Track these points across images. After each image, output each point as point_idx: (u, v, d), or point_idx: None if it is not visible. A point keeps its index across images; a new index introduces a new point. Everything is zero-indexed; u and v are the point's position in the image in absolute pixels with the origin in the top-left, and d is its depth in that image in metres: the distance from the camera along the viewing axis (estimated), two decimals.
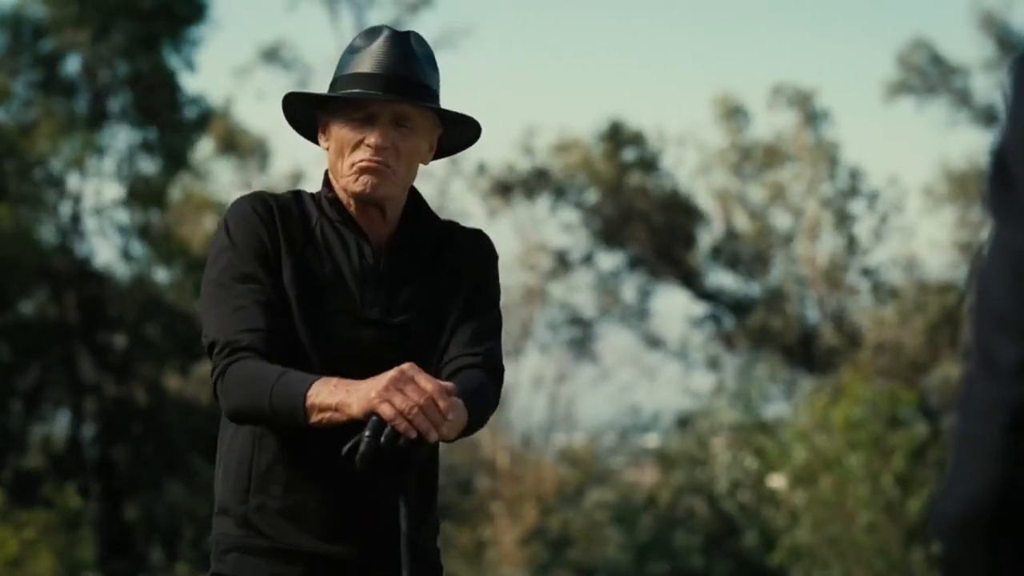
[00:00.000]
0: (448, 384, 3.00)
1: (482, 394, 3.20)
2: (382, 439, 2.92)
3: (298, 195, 3.38)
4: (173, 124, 26.01)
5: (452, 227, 3.47)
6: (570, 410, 29.39)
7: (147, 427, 24.68)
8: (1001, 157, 1.41)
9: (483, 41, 52.05)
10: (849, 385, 20.10)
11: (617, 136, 28.03)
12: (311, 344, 3.20)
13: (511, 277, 28.84)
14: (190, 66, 26.38)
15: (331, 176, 3.36)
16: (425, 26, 42.10)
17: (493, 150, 29.03)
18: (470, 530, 26.02)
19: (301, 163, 29.63)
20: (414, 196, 3.41)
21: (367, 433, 2.92)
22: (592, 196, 28.25)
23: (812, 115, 26.93)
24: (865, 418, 18.94)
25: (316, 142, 3.43)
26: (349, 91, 3.28)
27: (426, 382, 2.95)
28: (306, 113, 3.42)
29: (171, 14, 25.68)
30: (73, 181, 26.18)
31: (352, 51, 3.34)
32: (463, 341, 3.30)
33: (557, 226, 28.97)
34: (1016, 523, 1.39)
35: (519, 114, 52.35)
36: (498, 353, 3.36)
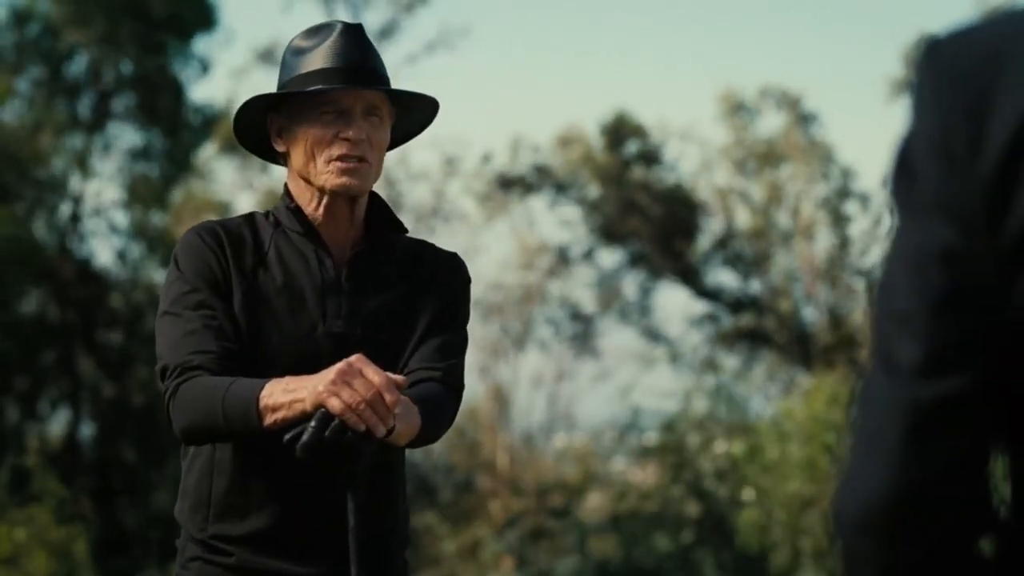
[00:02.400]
0: (398, 377, 2.99)
1: (437, 405, 3.20)
2: (327, 432, 2.92)
3: (250, 218, 3.35)
4: (176, 129, 26.04)
5: (424, 245, 3.44)
6: (570, 409, 29.38)
7: (144, 427, 24.69)
8: (905, 151, 1.39)
9: (481, 40, 51.99)
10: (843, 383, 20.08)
11: (620, 128, 27.99)
12: (270, 364, 3.16)
13: (510, 276, 28.86)
14: (203, 67, 26.42)
15: (297, 179, 3.29)
16: (422, 25, 42.13)
17: (492, 148, 29.03)
18: (470, 530, 26.02)
19: None
20: (375, 200, 3.38)
21: (312, 424, 2.92)
22: (593, 191, 28.22)
23: (802, 116, 26.91)
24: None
25: (263, 153, 3.37)
26: (321, 86, 3.22)
27: (374, 374, 2.94)
28: (254, 122, 3.34)
29: (181, 20, 25.69)
30: (74, 181, 26.21)
31: (300, 51, 3.30)
32: (426, 355, 3.29)
33: (557, 223, 28.95)
34: (911, 522, 1.39)
35: (518, 113, 52.26)
36: (460, 370, 3.34)
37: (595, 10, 48.48)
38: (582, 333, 29.04)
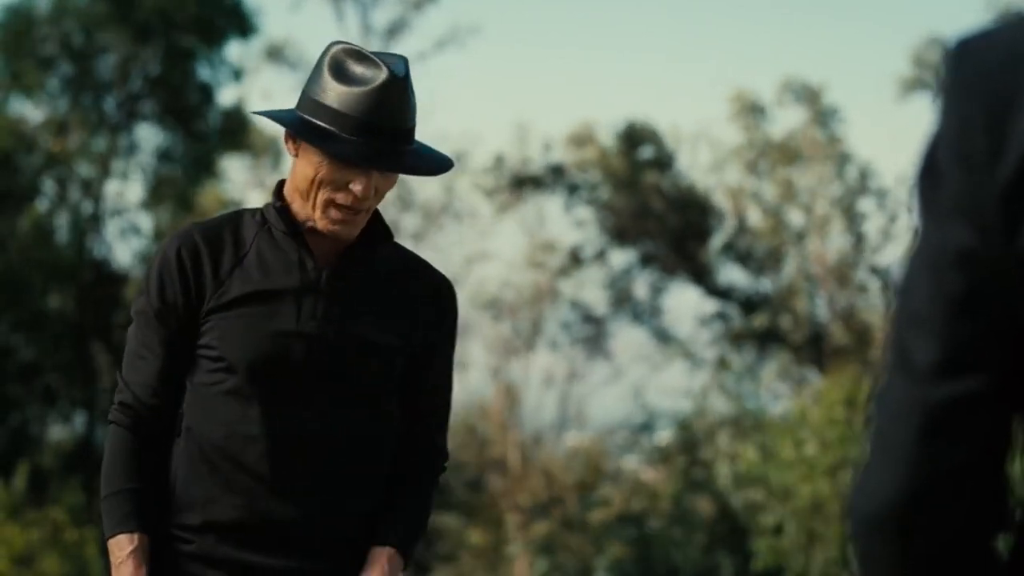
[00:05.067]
0: None
1: (423, 513, 3.35)
2: None
3: (237, 217, 3.33)
4: (201, 134, 26.08)
5: (414, 260, 3.41)
6: (581, 408, 29.38)
7: None
8: (930, 152, 1.40)
9: (491, 37, 52.02)
10: (857, 383, 20.06)
11: (633, 135, 27.99)
12: (239, 365, 3.20)
13: (520, 276, 28.85)
14: (236, 75, 26.47)
15: (295, 189, 3.25)
16: (431, 23, 42.15)
17: (502, 146, 29.02)
18: (481, 529, 26.03)
19: None
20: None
21: None
22: (605, 193, 28.22)
23: (821, 112, 26.87)
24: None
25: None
26: (352, 149, 3.12)
27: None
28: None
29: (212, 26, 25.73)
30: (97, 181, 26.25)
31: (340, 75, 3.18)
32: (416, 422, 3.35)
33: (568, 223, 28.95)
34: (924, 522, 1.40)
35: (528, 112, 52.34)
36: (444, 441, 3.42)
37: (606, 7, 48.49)
38: (594, 335, 29.04)
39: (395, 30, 29.36)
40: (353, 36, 30.61)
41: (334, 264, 3.27)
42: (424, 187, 29.72)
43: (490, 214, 29.09)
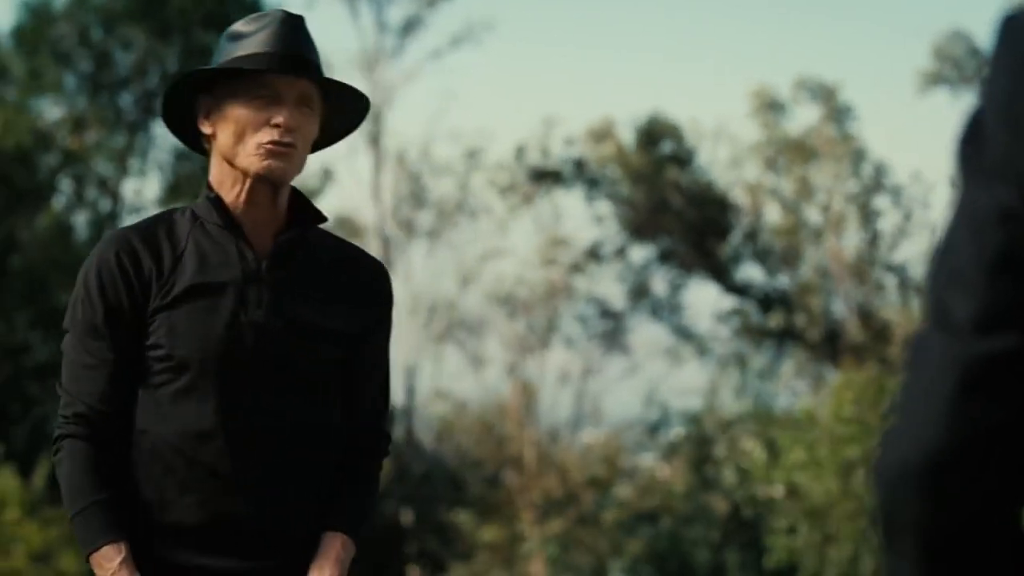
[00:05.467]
0: None
1: (369, 501, 3.38)
2: None
3: (167, 216, 3.34)
4: None
5: (348, 246, 3.46)
6: (597, 405, 29.37)
7: None
8: (975, 117, 1.42)
9: (506, 35, 51.98)
10: (878, 378, 20.03)
11: (653, 130, 27.96)
12: (189, 361, 3.22)
13: (534, 272, 28.83)
14: None
15: (221, 163, 3.29)
16: (446, 19, 42.23)
17: (517, 142, 29.01)
18: (497, 527, 26.04)
19: (329, 159, 29.68)
20: (297, 193, 3.36)
21: None
22: (624, 188, 28.20)
23: (836, 110, 26.83)
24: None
25: (189, 141, 3.37)
26: (258, 68, 3.23)
27: None
28: (182, 103, 3.34)
29: (230, 22, 25.74)
30: (114, 178, 26.28)
31: (238, 36, 3.30)
32: (359, 407, 3.39)
33: (585, 218, 28.95)
34: (959, 480, 1.39)
35: (544, 109, 52.23)
36: (387, 424, 3.47)
37: (623, 4, 48.43)
38: (612, 329, 29.03)
39: (410, 27, 29.38)
40: (368, 33, 30.63)
41: (272, 252, 3.29)
42: (438, 185, 29.74)
43: (505, 211, 29.08)
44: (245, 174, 3.26)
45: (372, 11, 29.71)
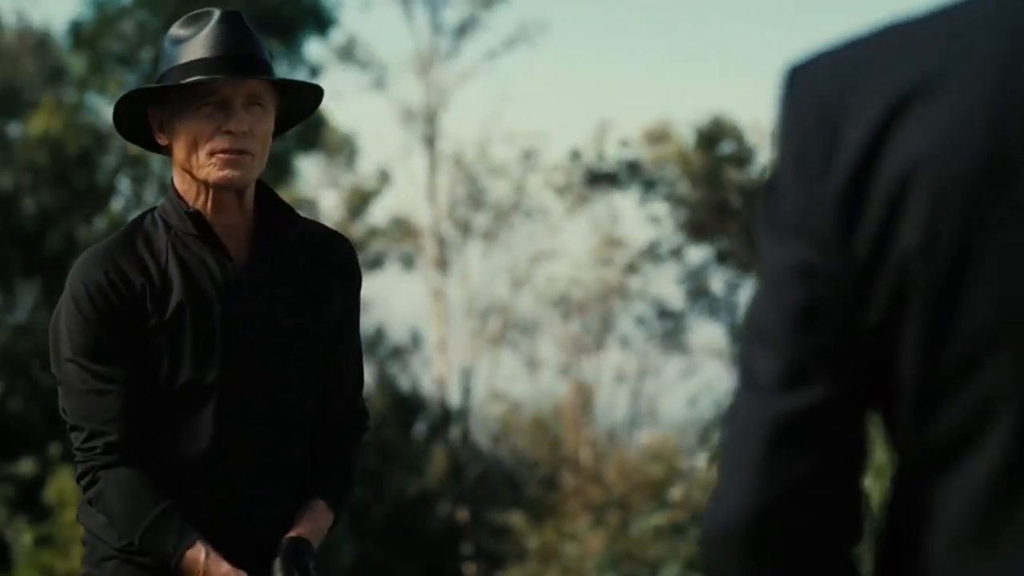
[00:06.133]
0: None
1: (350, 477, 3.40)
2: None
3: (139, 229, 3.29)
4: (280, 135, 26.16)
5: (312, 226, 3.43)
6: (653, 405, 29.32)
7: None
8: (772, 174, 1.44)
9: (562, 36, 51.94)
10: None
11: (714, 131, 27.91)
12: (186, 377, 3.21)
13: (590, 273, 28.81)
14: (312, 71, 26.57)
15: (182, 174, 3.24)
16: (501, 21, 42.16)
17: (574, 144, 29.05)
18: (553, 528, 26.03)
19: (385, 161, 29.75)
20: (263, 187, 3.34)
21: None
22: (683, 188, 28.15)
23: None
24: None
25: (150, 146, 3.32)
26: (199, 77, 3.16)
27: None
28: (136, 115, 3.28)
29: (291, 23, 25.84)
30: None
31: (179, 40, 3.22)
32: (337, 386, 3.39)
33: (642, 219, 28.91)
34: (772, 537, 1.40)
35: (598, 111, 52.21)
36: (363, 399, 3.48)
37: (681, 5, 48.34)
38: (672, 329, 28.98)
39: (465, 29, 29.40)
40: (423, 35, 30.72)
41: (250, 261, 3.27)
42: (495, 186, 29.75)
43: (561, 212, 29.08)
44: (205, 184, 3.22)
45: (427, 13, 29.77)
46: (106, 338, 3.17)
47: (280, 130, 3.33)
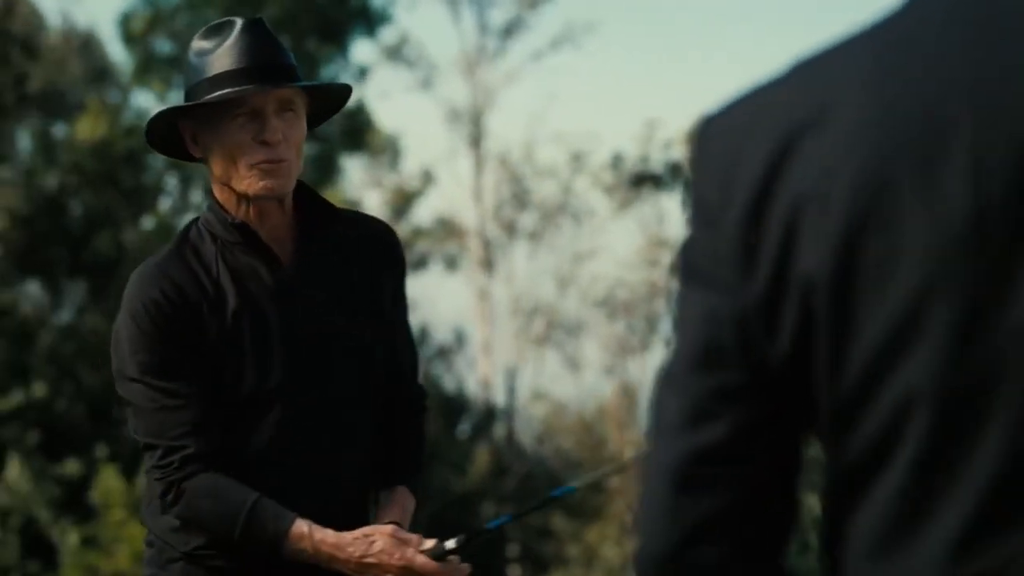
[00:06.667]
0: (421, 561, 3.19)
1: (422, 461, 3.45)
2: None
3: (187, 240, 3.29)
4: (323, 134, 26.27)
5: (354, 218, 3.44)
6: None
7: None
8: (686, 221, 1.46)
9: (608, 36, 51.88)
10: None
11: None
12: (256, 382, 3.23)
13: (636, 273, 28.78)
14: (361, 73, 26.63)
15: (221, 186, 3.25)
16: (547, 22, 42.19)
17: (620, 145, 29.08)
18: (597, 529, 26.01)
19: (430, 161, 29.78)
20: (300, 186, 3.33)
21: None
22: None
23: None
24: None
25: (184, 156, 3.31)
26: (231, 90, 3.15)
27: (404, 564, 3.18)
28: (169, 126, 3.28)
29: (338, 24, 25.90)
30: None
31: (203, 52, 3.21)
32: (396, 370, 3.42)
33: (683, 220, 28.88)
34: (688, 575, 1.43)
35: (645, 111, 52.12)
36: (419, 379, 3.51)
37: (726, 6, 48.25)
38: None
39: (511, 29, 29.40)
40: (469, 35, 30.72)
41: (297, 264, 3.28)
42: (541, 187, 29.74)
43: (608, 212, 29.05)
44: (246, 196, 3.22)
45: (474, 13, 29.78)
46: (169, 354, 3.17)
47: (311, 126, 3.32)
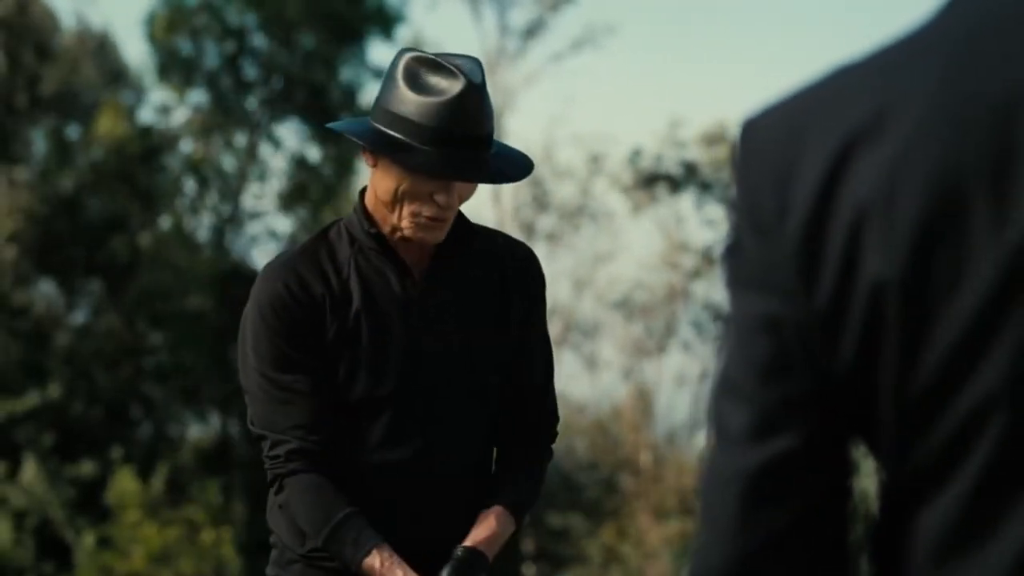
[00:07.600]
0: None
1: (538, 488, 3.42)
2: None
3: (325, 239, 3.31)
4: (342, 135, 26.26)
5: (495, 237, 3.43)
6: None
7: None
8: (731, 227, 1.43)
9: (628, 39, 51.88)
10: None
11: None
12: (363, 389, 3.24)
13: (654, 276, 28.75)
14: (378, 76, 26.67)
15: (376, 200, 3.24)
16: (568, 23, 42.27)
17: (639, 146, 29.04)
18: (614, 531, 26.03)
19: None
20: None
21: None
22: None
23: None
24: None
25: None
26: (430, 164, 3.11)
27: None
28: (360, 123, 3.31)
29: (356, 26, 25.93)
30: (236, 181, 26.51)
31: (414, 84, 3.16)
32: (527, 390, 3.39)
33: (699, 222, 28.88)
34: None
35: (665, 113, 52.03)
36: (554, 402, 3.46)
37: (746, 8, 48.21)
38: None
39: (532, 30, 29.39)
40: (490, 35, 30.69)
41: (429, 274, 3.29)
42: (559, 189, 29.73)
43: (626, 213, 29.05)
44: (399, 229, 3.21)
45: (495, 13, 29.76)
46: (287, 349, 3.20)
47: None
